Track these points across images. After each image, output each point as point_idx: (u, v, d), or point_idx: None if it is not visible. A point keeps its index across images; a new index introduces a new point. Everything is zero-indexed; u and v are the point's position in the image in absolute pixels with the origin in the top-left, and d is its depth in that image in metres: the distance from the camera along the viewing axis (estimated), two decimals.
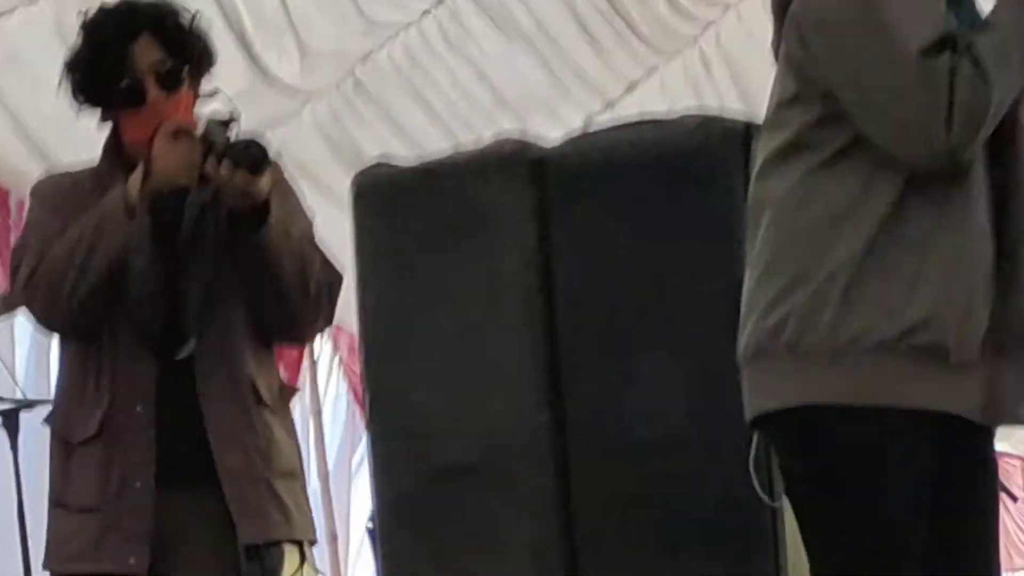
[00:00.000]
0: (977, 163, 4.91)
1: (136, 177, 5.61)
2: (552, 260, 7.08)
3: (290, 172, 11.96)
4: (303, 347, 5.62)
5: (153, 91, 5.66)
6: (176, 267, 5.68)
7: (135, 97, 5.66)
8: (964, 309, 4.86)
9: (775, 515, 6.57)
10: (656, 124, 7.48)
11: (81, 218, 5.65)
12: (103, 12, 5.76)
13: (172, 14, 5.78)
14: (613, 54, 13.45)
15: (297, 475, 5.95)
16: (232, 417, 5.68)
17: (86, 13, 5.78)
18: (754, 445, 5.38)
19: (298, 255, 5.66)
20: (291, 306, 5.70)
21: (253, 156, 5.46)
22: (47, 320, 5.86)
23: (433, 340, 7.45)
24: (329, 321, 5.98)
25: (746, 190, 5.20)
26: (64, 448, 5.75)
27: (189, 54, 5.76)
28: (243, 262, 5.62)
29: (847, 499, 4.96)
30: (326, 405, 14.25)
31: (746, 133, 6.78)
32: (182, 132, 5.58)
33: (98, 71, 5.68)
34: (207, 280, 5.68)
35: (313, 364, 13.73)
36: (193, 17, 5.83)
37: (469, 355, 7.34)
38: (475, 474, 7.07)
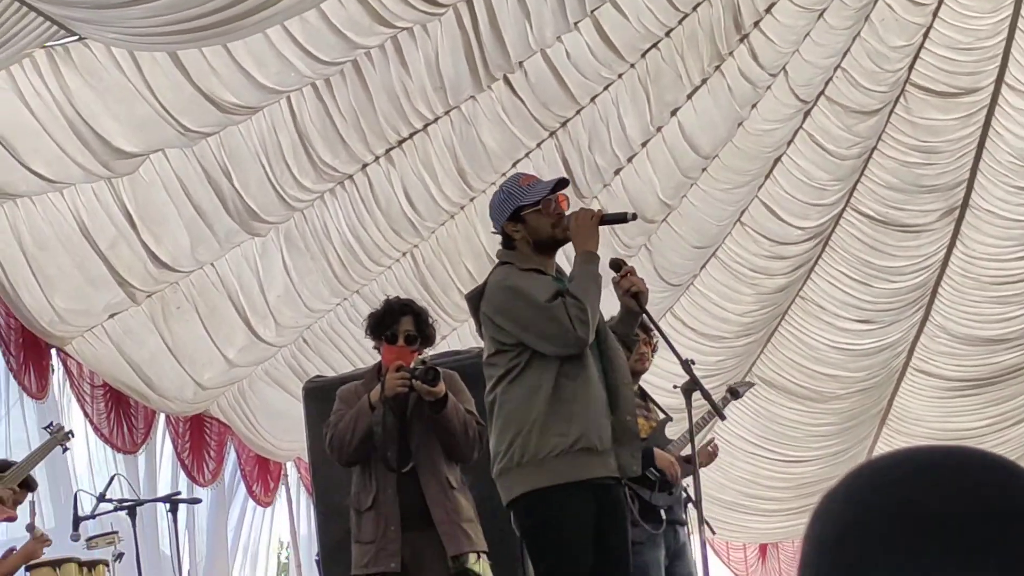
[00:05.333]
0: (592, 355, 5.65)
1: (377, 388, 6.65)
2: None
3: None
4: (463, 464, 6.85)
5: (400, 341, 6.77)
6: (406, 426, 6.64)
7: (392, 340, 6.77)
8: (597, 424, 5.61)
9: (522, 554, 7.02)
10: None
11: (353, 409, 6.68)
12: (395, 300, 6.99)
13: (424, 313, 6.94)
14: None
15: (474, 520, 6.70)
16: (438, 495, 6.59)
17: (390, 296, 7.28)
18: (513, 520, 5.86)
19: (463, 421, 6.56)
20: (459, 445, 6.62)
21: (428, 377, 6.49)
22: (338, 460, 6.80)
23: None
24: (481, 452, 6.58)
25: None
26: (356, 513, 6.73)
27: (425, 334, 6.87)
28: (436, 426, 6.60)
29: (550, 529, 5.63)
30: (298, 506, 14.04)
31: None
32: (400, 366, 6.58)
33: (381, 324, 6.83)
34: (422, 433, 6.64)
35: (286, 482, 13.91)
36: (432, 319, 7.00)
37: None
38: None
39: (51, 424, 9.39)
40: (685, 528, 8.04)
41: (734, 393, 8.55)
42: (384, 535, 6.52)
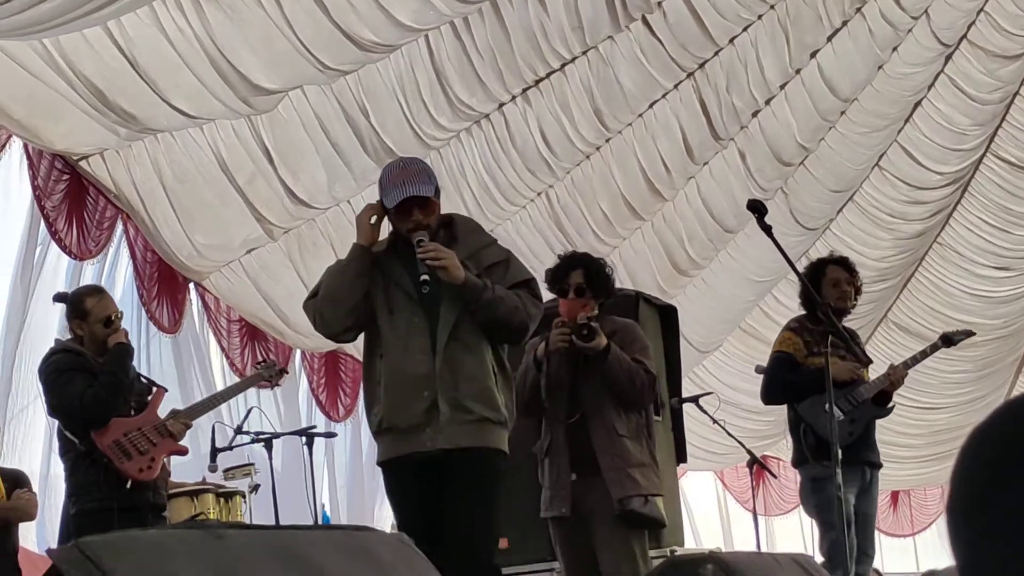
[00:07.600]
0: (416, 328, 5.63)
1: (543, 344, 6.81)
2: None
3: None
4: (641, 412, 6.86)
5: (571, 294, 6.85)
6: (578, 377, 6.83)
7: (563, 294, 6.87)
8: (404, 404, 5.61)
9: None
10: None
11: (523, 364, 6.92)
12: (567, 254, 7.15)
13: (596, 265, 6.97)
14: None
15: (648, 464, 6.82)
16: (605, 442, 6.75)
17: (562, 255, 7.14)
18: None
19: (627, 370, 6.69)
20: (626, 394, 6.74)
21: (583, 333, 6.65)
22: (517, 413, 6.38)
23: None
24: (652, 400, 7.00)
25: None
26: (539, 460, 6.97)
27: (597, 284, 6.88)
28: (603, 376, 6.72)
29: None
30: None
31: None
32: (562, 322, 6.77)
33: (555, 278, 6.91)
34: (594, 383, 6.78)
35: None
36: (609, 268, 7.05)
37: None
38: None
39: (263, 360, 9.48)
40: (873, 470, 7.97)
41: (947, 340, 8.35)
42: (557, 481, 6.82)
